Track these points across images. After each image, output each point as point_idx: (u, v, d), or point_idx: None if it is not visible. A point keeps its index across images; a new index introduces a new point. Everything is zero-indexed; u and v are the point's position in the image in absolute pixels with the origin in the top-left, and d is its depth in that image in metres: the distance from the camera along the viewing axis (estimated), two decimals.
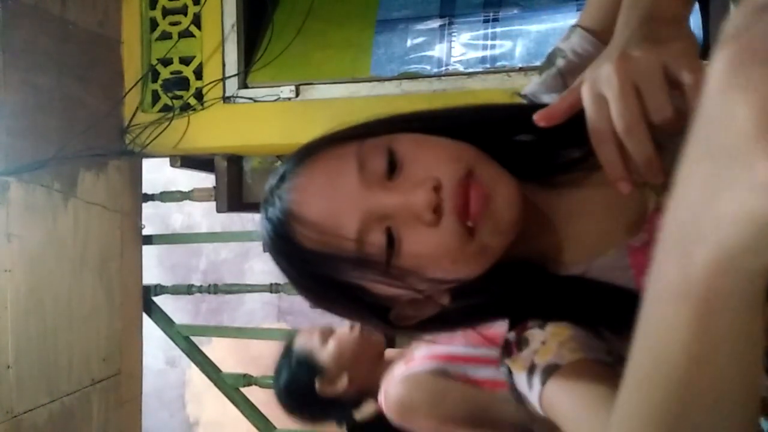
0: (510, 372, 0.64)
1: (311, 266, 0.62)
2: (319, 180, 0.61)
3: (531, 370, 0.60)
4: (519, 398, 0.63)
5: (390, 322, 0.66)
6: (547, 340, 0.61)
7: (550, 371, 0.58)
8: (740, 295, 0.30)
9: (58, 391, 1.97)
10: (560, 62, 0.74)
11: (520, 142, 0.68)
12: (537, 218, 0.65)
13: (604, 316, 0.62)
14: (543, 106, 0.65)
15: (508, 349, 0.65)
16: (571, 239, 0.66)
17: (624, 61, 0.51)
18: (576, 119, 0.65)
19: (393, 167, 0.60)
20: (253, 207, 2.49)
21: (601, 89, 0.52)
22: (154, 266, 3.23)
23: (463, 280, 0.62)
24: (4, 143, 1.83)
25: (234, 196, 2.43)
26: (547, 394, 0.58)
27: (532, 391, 0.60)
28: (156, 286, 2.49)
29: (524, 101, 0.76)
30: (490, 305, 0.68)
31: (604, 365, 0.58)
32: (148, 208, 2.51)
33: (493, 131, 0.67)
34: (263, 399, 2.75)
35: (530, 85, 0.77)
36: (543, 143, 0.68)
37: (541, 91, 0.75)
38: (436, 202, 0.58)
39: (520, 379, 0.62)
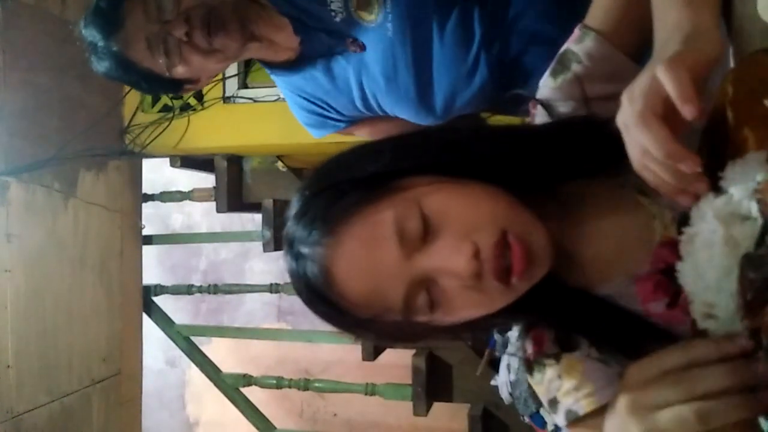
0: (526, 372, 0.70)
1: (355, 327, 0.67)
2: (359, 255, 0.62)
3: (553, 402, 0.67)
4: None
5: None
6: (563, 374, 0.67)
7: (570, 417, 0.65)
8: None
9: (58, 391, 1.97)
10: (576, 67, 0.72)
11: (541, 164, 0.69)
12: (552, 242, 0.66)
13: (615, 338, 0.65)
14: (565, 124, 0.69)
15: (528, 362, 0.70)
16: (580, 264, 0.68)
17: (629, 95, 0.53)
18: (594, 147, 0.66)
19: (427, 228, 0.61)
20: (253, 207, 2.49)
21: (630, 130, 0.53)
22: (154, 266, 3.23)
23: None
24: (4, 143, 1.83)
25: (234, 196, 2.43)
26: None
27: (556, 416, 0.67)
28: (156, 286, 2.49)
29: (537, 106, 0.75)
30: (505, 313, 0.69)
31: None
32: (148, 208, 2.51)
33: (520, 162, 0.68)
34: (263, 399, 2.75)
35: (544, 90, 0.75)
36: (565, 168, 0.69)
37: (558, 97, 0.73)
38: (477, 269, 0.60)
39: (540, 394, 0.69)
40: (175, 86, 1.19)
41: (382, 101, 1.21)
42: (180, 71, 1.13)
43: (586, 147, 0.67)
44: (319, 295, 0.65)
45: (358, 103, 1.24)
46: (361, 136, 1.40)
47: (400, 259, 0.61)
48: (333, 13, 1.15)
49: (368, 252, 0.61)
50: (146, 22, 1.08)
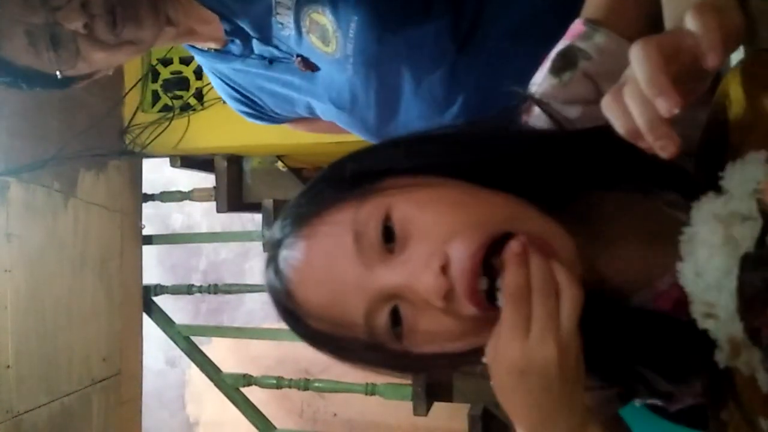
0: None
1: (318, 342, 0.60)
2: (316, 262, 0.55)
3: None
4: None
5: (406, 369, 0.64)
6: None
7: None
8: None
9: (58, 391, 1.97)
10: (585, 64, 0.65)
11: (556, 171, 0.60)
12: None
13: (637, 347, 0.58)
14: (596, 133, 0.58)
15: None
16: (600, 279, 0.60)
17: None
18: (613, 158, 0.58)
19: (391, 234, 0.53)
20: (253, 207, 2.49)
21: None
22: (154, 266, 3.23)
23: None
24: (4, 143, 1.83)
25: (234, 196, 2.43)
26: None
27: None
28: (156, 286, 2.49)
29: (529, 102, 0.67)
30: None
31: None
32: (148, 208, 2.51)
33: (520, 167, 0.58)
34: (263, 399, 2.75)
35: (543, 86, 0.67)
36: (573, 171, 0.60)
37: (561, 96, 0.66)
38: (445, 288, 0.51)
39: None
40: (66, 83, 0.94)
41: (334, 120, 1.09)
42: (76, 70, 0.89)
43: (605, 158, 0.59)
44: (280, 302, 0.59)
45: (302, 113, 1.12)
46: (299, 130, 1.29)
47: (359, 270, 0.53)
48: (280, 26, 0.98)
49: (326, 259, 0.55)
50: (24, 9, 0.82)
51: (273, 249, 0.59)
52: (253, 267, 3.38)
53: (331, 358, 0.62)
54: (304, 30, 0.96)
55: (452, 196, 0.55)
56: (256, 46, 1.03)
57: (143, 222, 2.41)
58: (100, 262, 2.17)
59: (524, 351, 0.51)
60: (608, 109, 0.48)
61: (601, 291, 0.58)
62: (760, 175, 0.47)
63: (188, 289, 2.48)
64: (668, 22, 0.56)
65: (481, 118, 0.92)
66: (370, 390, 2.27)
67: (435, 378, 2.25)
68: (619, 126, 0.47)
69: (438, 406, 2.35)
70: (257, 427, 2.50)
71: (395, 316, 0.54)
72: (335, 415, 3.26)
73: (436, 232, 0.52)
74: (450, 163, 0.57)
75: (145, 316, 2.44)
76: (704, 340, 0.50)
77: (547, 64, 0.69)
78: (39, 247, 1.92)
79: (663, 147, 0.45)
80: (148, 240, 2.49)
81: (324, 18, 0.94)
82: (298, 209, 0.58)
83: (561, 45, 0.69)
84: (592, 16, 0.68)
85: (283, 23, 0.97)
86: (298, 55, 1.00)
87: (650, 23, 0.65)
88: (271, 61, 1.03)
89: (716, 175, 0.51)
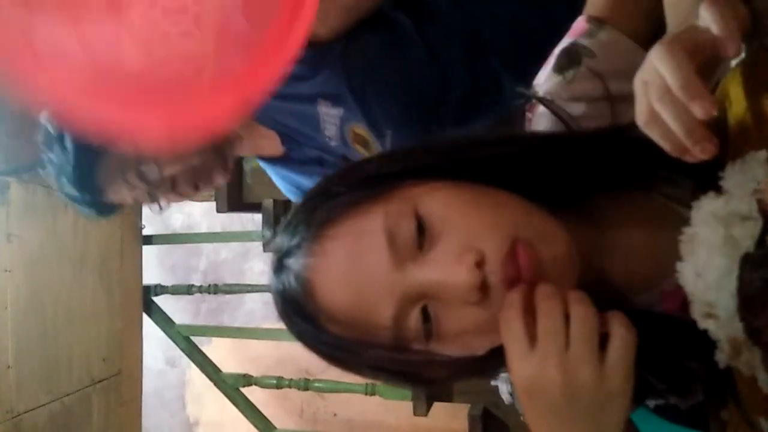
0: None
1: (336, 349, 0.58)
2: (345, 263, 0.54)
3: None
4: None
5: (421, 379, 0.62)
6: None
7: None
8: None
9: (58, 391, 1.97)
10: (590, 62, 0.65)
11: (566, 175, 0.60)
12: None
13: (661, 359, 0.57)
14: (589, 134, 0.60)
15: None
16: (608, 279, 0.60)
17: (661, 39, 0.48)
18: (625, 159, 0.58)
19: (422, 230, 0.53)
20: (253, 207, 2.49)
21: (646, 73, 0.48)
22: (154, 266, 3.23)
23: None
24: (4, 143, 1.83)
25: (234, 196, 2.43)
26: None
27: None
28: (156, 286, 2.49)
29: (531, 100, 0.68)
30: None
31: None
32: (148, 208, 2.50)
33: (531, 169, 0.59)
34: (263, 399, 2.75)
35: (547, 84, 0.67)
36: (583, 173, 0.60)
37: (565, 93, 0.66)
38: (480, 280, 0.51)
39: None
40: None
41: None
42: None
43: (616, 159, 0.59)
44: (296, 307, 0.57)
45: None
46: None
47: (390, 268, 0.52)
48: (328, 138, 1.13)
49: (354, 259, 0.54)
50: (130, 190, 1.09)
51: (286, 254, 0.58)
52: (253, 267, 3.38)
53: (337, 366, 0.61)
54: (348, 140, 1.11)
55: (472, 196, 0.55)
56: (308, 152, 1.21)
57: (143, 222, 2.41)
58: (100, 262, 2.17)
59: (526, 370, 0.50)
60: (649, 128, 0.48)
61: (604, 292, 0.58)
62: (760, 175, 0.47)
63: (188, 289, 2.48)
64: (670, 18, 0.57)
65: (492, 126, 0.99)
66: (370, 390, 2.27)
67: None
68: (666, 146, 0.48)
69: (438, 406, 2.35)
70: (257, 427, 2.50)
71: (426, 317, 0.53)
72: (335, 415, 3.25)
73: (465, 230, 0.52)
74: (466, 165, 0.57)
75: (145, 316, 2.44)
76: (705, 340, 0.50)
77: (550, 63, 0.69)
78: (39, 247, 1.92)
79: (703, 149, 0.46)
80: (148, 240, 2.49)
81: (364, 131, 1.08)
82: (312, 212, 0.57)
83: (564, 43, 0.69)
84: (595, 13, 0.68)
85: (331, 137, 1.13)
86: (343, 158, 1.15)
87: (652, 19, 0.65)
88: (321, 163, 1.20)
89: (716, 175, 0.51)
